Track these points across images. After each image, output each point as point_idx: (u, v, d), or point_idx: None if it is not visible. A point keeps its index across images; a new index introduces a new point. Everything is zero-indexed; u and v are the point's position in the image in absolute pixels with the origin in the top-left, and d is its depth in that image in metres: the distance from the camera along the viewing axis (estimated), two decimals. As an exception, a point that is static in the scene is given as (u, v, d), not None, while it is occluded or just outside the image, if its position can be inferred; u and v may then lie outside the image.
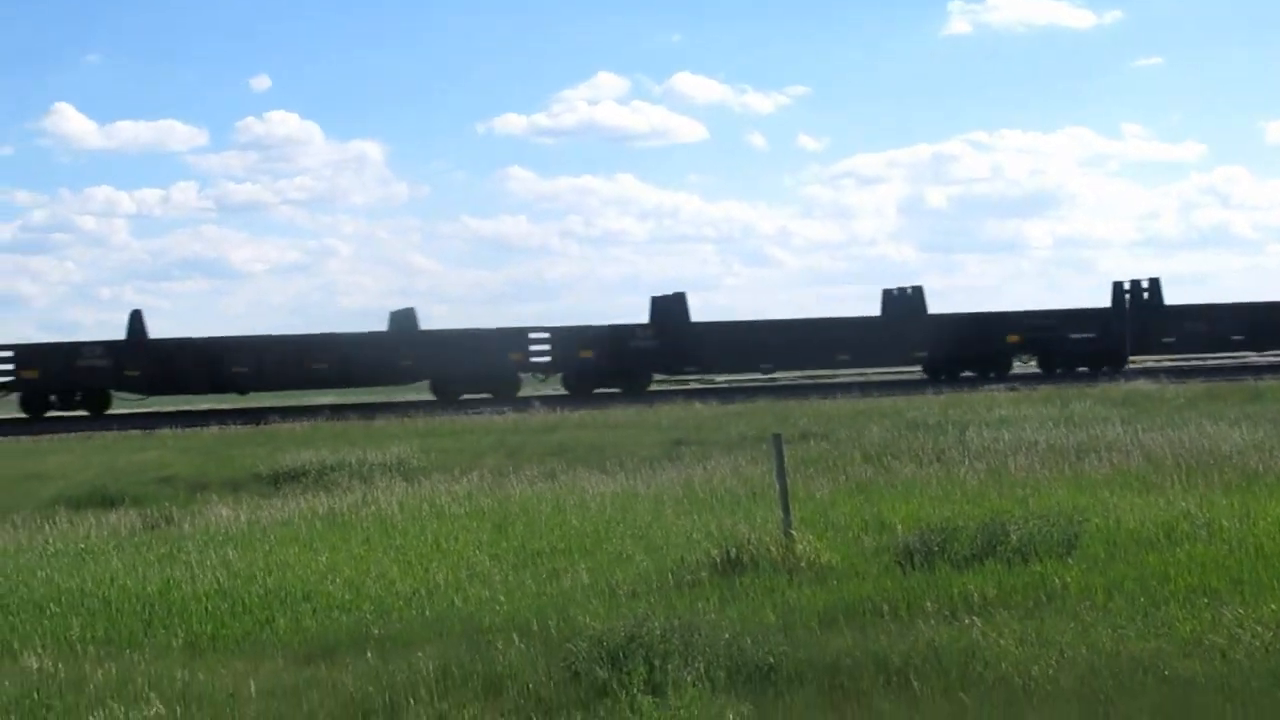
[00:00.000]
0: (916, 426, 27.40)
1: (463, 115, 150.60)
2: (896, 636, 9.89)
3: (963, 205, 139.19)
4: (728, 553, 12.76)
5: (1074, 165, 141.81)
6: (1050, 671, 8.92)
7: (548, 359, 49.69)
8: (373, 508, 18.18)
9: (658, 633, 9.31)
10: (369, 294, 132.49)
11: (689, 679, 8.63)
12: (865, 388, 45.49)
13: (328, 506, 18.67)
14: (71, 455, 30.67)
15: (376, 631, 10.97)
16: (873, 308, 55.56)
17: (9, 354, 45.68)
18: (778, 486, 13.99)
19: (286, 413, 41.75)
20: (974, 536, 12.61)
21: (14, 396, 45.86)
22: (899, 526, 14.08)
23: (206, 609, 12.15)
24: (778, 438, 14.34)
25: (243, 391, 48.03)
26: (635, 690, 8.35)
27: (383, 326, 50.41)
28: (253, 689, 9.31)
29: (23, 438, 36.06)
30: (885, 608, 10.73)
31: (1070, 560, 12.15)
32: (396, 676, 9.39)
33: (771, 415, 33.80)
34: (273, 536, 16.12)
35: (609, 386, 49.20)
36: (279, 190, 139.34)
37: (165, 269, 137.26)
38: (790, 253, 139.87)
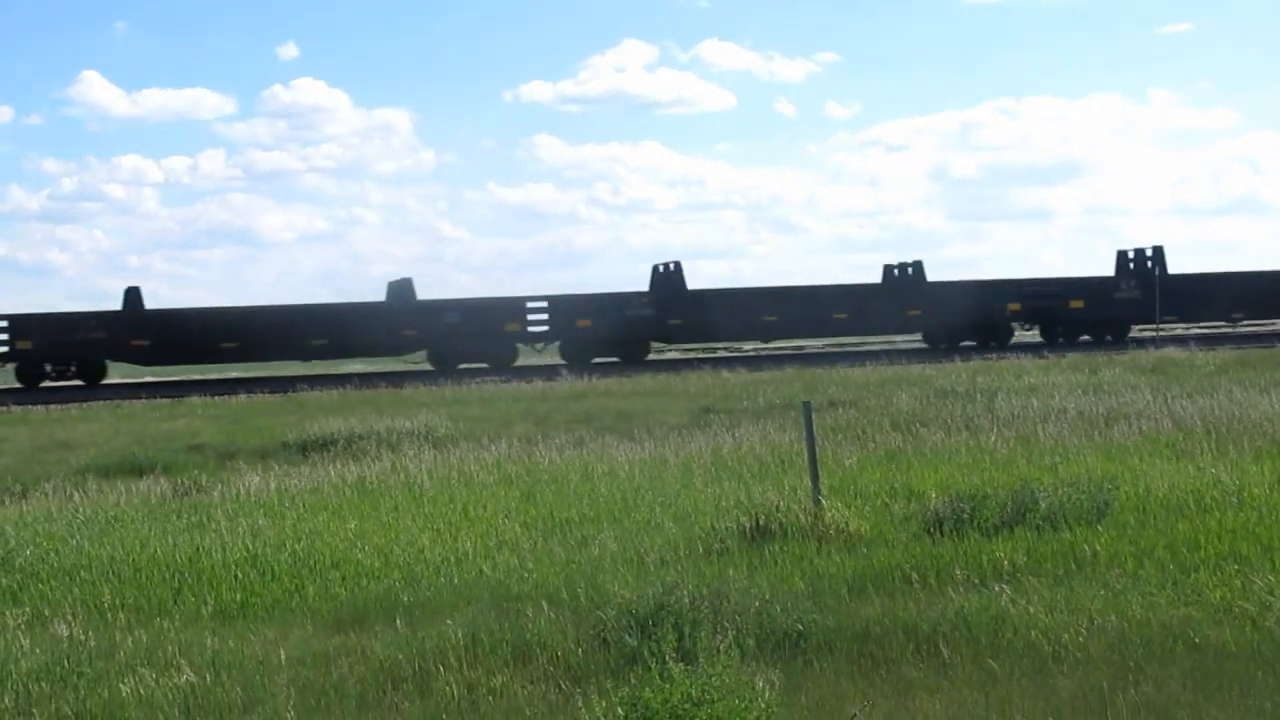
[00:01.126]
0: (945, 394, 27.36)
1: (490, 83, 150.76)
2: (926, 604, 9.88)
3: (990, 173, 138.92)
4: (757, 520, 12.74)
5: (1102, 132, 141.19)
6: (1080, 639, 8.91)
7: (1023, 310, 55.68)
8: (401, 476, 18.20)
9: (687, 601, 9.30)
10: (397, 262, 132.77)
11: (719, 647, 8.62)
12: (893, 355, 45.39)
13: (356, 475, 18.68)
14: (101, 424, 30.81)
15: (406, 599, 10.98)
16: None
17: (542, 304, 50.72)
18: (807, 454, 13.97)
19: (315, 381, 41.97)
20: (1003, 504, 12.58)
21: (554, 346, 51.20)
22: (928, 494, 14.04)
23: (236, 576, 12.18)
24: (807, 406, 14.31)
25: (766, 340, 54.52)
26: (666, 658, 8.34)
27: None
28: (283, 656, 9.34)
29: (53, 407, 36.22)
30: (914, 575, 10.71)
31: (1100, 527, 12.11)
32: (426, 644, 9.41)
33: (800, 383, 33.78)
34: (302, 505, 16.14)
35: (1089, 334, 53.96)
36: (306, 158, 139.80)
37: (194, 237, 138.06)
38: (818, 220, 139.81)
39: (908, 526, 12.78)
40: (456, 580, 11.65)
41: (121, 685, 8.80)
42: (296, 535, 13.89)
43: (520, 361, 49.89)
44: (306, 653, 9.53)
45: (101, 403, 37.55)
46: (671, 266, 52.81)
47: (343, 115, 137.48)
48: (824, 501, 13.14)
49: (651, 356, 51.69)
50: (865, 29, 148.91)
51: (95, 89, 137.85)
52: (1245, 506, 12.92)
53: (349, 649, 9.60)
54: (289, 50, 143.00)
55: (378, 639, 9.80)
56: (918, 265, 55.50)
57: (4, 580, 12.44)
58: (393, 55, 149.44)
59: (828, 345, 57.08)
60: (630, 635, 9.03)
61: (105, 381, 47.01)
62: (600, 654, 9.05)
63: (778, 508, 13.02)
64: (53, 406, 36.39)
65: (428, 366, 49.62)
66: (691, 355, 53.57)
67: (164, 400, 37.35)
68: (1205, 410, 20.73)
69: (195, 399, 36.58)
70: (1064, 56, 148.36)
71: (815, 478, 13.55)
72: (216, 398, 37.08)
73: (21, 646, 9.87)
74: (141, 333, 46.95)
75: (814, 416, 14.26)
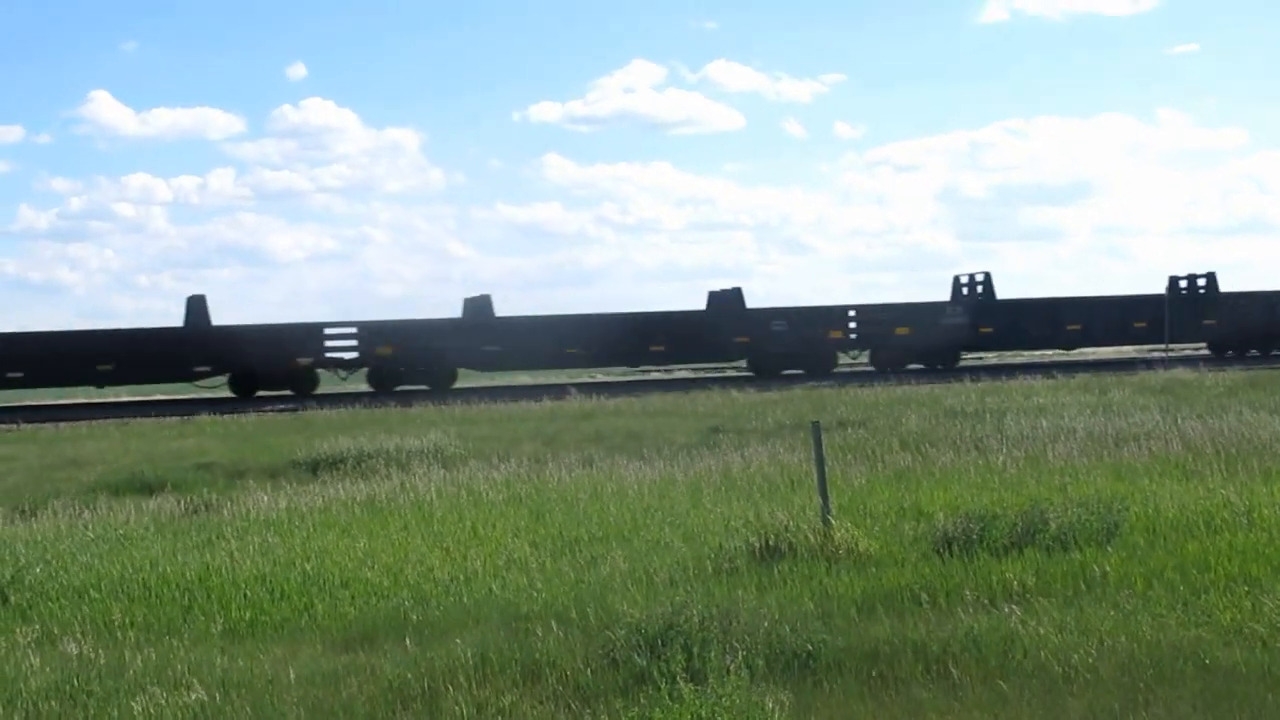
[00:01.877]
0: (954, 414, 27.34)
1: (498, 103, 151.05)
2: (935, 624, 9.87)
3: (1000, 193, 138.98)
4: (766, 540, 12.73)
5: (1111, 152, 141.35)
6: (1090, 660, 8.89)
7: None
8: (411, 495, 18.19)
9: (696, 620, 9.30)
10: (406, 282, 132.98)
11: (729, 667, 8.61)
12: (902, 375, 45.36)
13: (366, 493, 18.69)
14: (110, 441, 30.83)
15: (415, 618, 10.98)
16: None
17: (853, 313, 52.55)
18: (816, 474, 13.96)
19: (323, 400, 42.05)
20: (1013, 524, 12.57)
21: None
22: (937, 514, 14.02)
23: (245, 595, 12.18)
24: (816, 425, 14.30)
25: (1068, 348, 56.66)
26: (676, 678, 8.33)
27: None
28: (292, 675, 9.34)
29: (62, 424, 36.26)
30: (924, 596, 10.69)
31: (1110, 548, 12.09)
32: (435, 663, 9.41)
33: (809, 403, 33.76)
34: (311, 523, 16.15)
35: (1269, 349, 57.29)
36: (315, 178, 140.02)
37: (203, 256, 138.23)
38: (827, 240, 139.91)
39: (917, 546, 12.76)
40: (465, 599, 11.64)
41: (131, 704, 8.81)
42: (306, 554, 13.89)
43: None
44: (316, 672, 9.53)
45: (110, 420, 37.59)
46: (979, 277, 54.84)
47: (351, 135, 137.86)
48: (833, 521, 13.13)
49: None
50: (872, 50, 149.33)
51: (105, 108, 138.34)
52: (1255, 527, 12.90)
53: (358, 668, 9.60)
54: (298, 70, 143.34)
55: (387, 658, 9.80)
56: (1210, 276, 57.60)
57: (14, 598, 12.43)
58: (401, 75, 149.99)
59: (1118, 354, 59.11)
60: (639, 655, 9.03)
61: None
62: (609, 674, 9.04)
63: (787, 527, 13.00)
64: (62, 424, 36.44)
65: (748, 373, 51.98)
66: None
67: (173, 418, 37.40)
68: (1215, 431, 20.71)
69: (204, 417, 36.59)
70: (1073, 76, 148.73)
71: (824, 497, 13.54)
72: (225, 416, 37.11)
73: (31, 665, 9.89)
74: (493, 339, 48.51)
75: (823, 436, 14.25)
